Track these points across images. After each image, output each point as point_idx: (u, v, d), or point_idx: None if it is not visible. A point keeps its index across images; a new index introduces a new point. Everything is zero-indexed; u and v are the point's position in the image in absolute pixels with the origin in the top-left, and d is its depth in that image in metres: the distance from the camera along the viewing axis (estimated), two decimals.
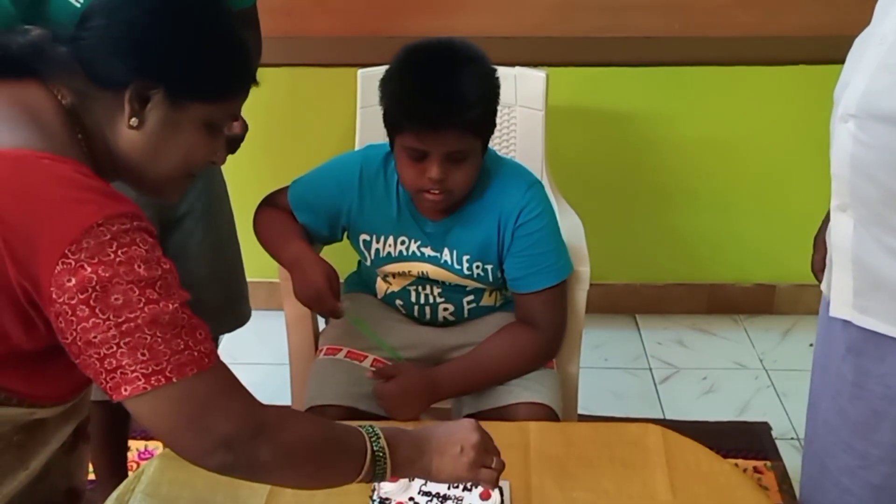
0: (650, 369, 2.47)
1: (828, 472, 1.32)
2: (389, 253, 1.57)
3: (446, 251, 1.55)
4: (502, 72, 1.49)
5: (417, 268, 1.57)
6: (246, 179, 1.92)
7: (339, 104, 2.21)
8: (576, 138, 2.44)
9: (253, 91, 1.11)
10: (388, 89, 1.46)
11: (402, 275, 1.60)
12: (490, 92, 1.46)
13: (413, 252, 1.56)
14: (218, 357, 0.95)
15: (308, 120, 2.44)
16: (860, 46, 1.15)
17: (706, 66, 2.38)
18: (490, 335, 1.56)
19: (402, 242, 1.56)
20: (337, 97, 2.27)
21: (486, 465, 1.11)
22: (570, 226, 1.77)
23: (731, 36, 2.30)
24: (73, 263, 0.88)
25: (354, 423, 1.08)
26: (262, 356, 2.36)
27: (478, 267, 1.55)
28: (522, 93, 1.93)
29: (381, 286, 1.66)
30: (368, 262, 1.61)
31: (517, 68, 1.90)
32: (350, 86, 1.99)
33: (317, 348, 1.68)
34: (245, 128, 1.56)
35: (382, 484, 1.17)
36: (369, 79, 1.94)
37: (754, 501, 1.27)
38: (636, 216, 2.61)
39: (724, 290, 2.70)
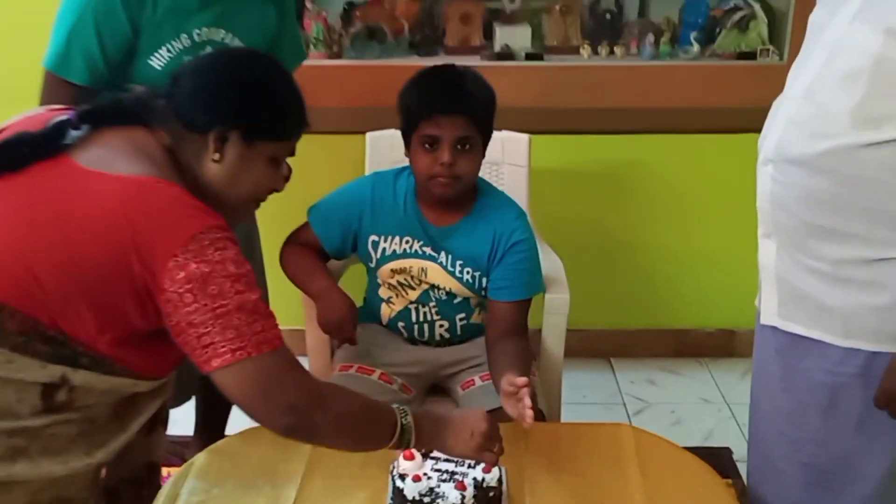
0: (624, 404, 2.68)
1: (769, 461, 1.52)
2: (395, 251, 1.81)
3: (443, 254, 1.79)
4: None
5: (418, 265, 1.80)
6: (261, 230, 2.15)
7: (348, 166, 2.46)
8: (555, 195, 2.66)
9: None
10: (406, 96, 1.74)
11: (401, 271, 1.81)
12: (489, 95, 1.74)
13: (416, 251, 1.80)
14: (283, 340, 1.20)
15: (319, 180, 2.66)
16: (776, 106, 1.42)
17: (667, 134, 2.65)
18: (496, 354, 1.70)
19: (407, 242, 1.81)
20: (346, 160, 2.51)
21: (489, 449, 1.34)
22: (552, 264, 2.04)
23: (686, 107, 2.62)
24: (182, 261, 1.14)
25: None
26: None
27: (468, 273, 1.80)
28: (509, 152, 2.20)
29: (385, 311, 1.89)
30: (373, 263, 1.84)
31: (504, 132, 2.15)
32: (358, 150, 2.23)
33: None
34: (289, 170, 1.82)
35: (400, 461, 1.38)
36: (377, 139, 2.21)
37: (711, 482, 1.49)
38: (608, 267, 2.82)
39: (690, 335, 2.91)
